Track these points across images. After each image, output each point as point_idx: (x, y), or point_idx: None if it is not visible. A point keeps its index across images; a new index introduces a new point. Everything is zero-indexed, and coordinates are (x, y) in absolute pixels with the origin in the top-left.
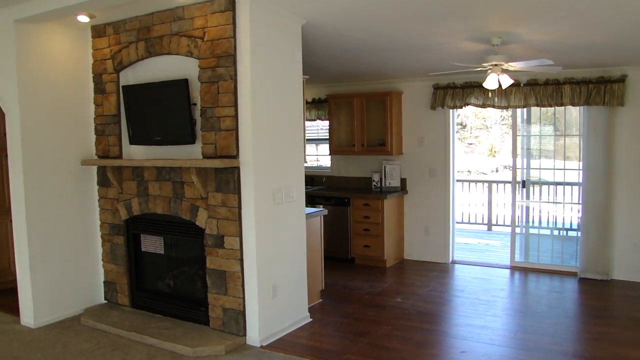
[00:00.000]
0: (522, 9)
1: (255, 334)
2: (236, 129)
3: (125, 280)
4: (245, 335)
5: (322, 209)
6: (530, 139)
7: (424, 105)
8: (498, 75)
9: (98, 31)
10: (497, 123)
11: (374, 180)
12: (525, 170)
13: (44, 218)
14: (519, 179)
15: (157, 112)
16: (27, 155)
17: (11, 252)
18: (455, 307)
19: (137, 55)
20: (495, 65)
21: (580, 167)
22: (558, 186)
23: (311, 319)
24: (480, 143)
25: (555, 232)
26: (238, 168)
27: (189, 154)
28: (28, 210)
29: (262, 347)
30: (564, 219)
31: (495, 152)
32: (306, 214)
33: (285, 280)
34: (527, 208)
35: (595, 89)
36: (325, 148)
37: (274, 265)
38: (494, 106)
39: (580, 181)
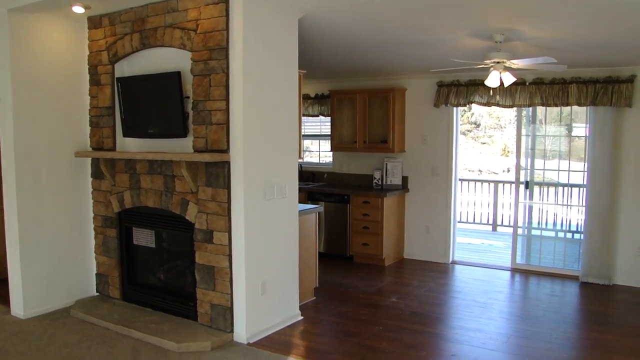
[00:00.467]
0: (526, 4)
1: (243, 330)
2: (227, 123)
3: (116, 273)
4: (232, 332)
5: (317, 205)
6: (535, 139)
7: (427, 102)
8: (500, 72)
9: (94, 22)
10: (512, 123)
11: (375, 178)
12: (529, 171)
13: (36, 209)
14: (522, 179)
15: (150, 105)
16: (19, 146)
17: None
18: (450, 309)
19: (131, 47)
20: (498, 62)
21: (585, 169)
22: (562, 187)
23: (302, 317)
24: (494, 143)
25: (559, 234)
26: (228, 163)
27: (182, 148)
28: (19, 200)
29: (249, 344)
30: (567, 221)
31: (508, 151)
32: (300, 211)
33: (276, 278)
34: (530, 209)
35: (602, 89)
36: (327, 144)
37: (263, 262)
38: (498, 105)
39: (585, 183)
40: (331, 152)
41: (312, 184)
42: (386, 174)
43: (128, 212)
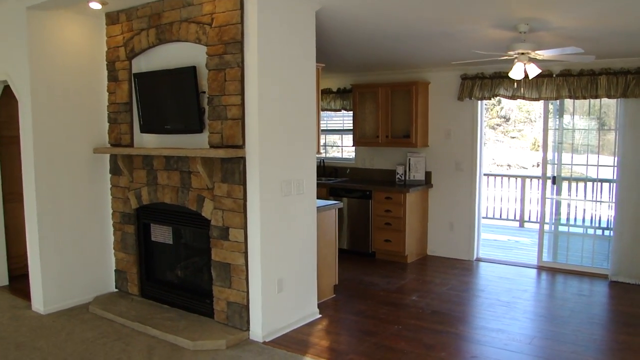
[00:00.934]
0: None
1: (259, 329)
2: (242, 118)
3: (135, 269)
4: (248, 330)
5: (337, 202)
6: (562, 132)
7: (451, 96)
8: (525, 64)
9: (112, 18)
10: (542, 116)
11: (398, 173)
12: (556, 166)
13: (55, 205)
14: (549, 174)
15: (167, 100)
16: (39, 142)
17: None
18: (472, 308)
19: (148, 42)
20: (522, 53)
21: (615, 163)
22: (591, 183)
23: (320, 315)
24: (524, 137)
25: (588, 231)
26: (244, 158)
27: (198, 143)
28: (39, 197)
29: (264, 342)
30: (596, 217)
31: (538, 146)
32: (320, 207)
33: (293, 275)
34: (558, 205)
35: (634, 80)
36: (350, 139)
37: (280, 259)
38: (523, 98)
39: (615, 178)
40: (354, 147)
41: (335, 179)
42: (409, 169)
43: (146, 208)
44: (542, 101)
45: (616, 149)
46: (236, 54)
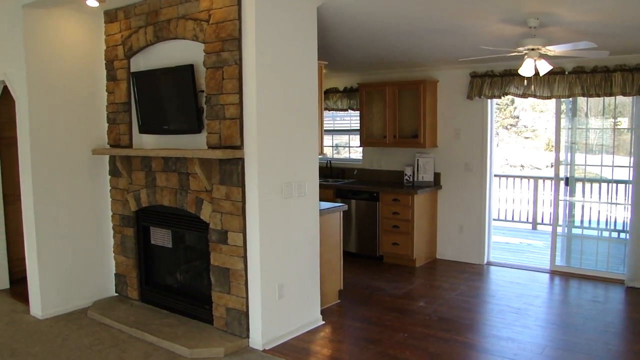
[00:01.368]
0: None
1: (258, 336)
2: (240, 118)
3: (134, 273)
4: (248, 337)
5: (341, 204)
6: (575, 132)
7: (460, 94)
8: (535, 60)
9: (110, 16)
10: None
11: (406, 174)
12: (569, 166)
13: (53, 207)
14: (562, 175)
15: (165, 100)
16: (36, 143)
17: None
18: (481, 315)
19: (145, 40)
20: (532, 49)
21: (631, 164)
22: (606, 184)
23: (323, 322)
24: (538, 137)
25: (602, 234)
26: (242, 159)
27: (197, 144)
28: (36, 199)
29: (264, 350)
30: (612, 220)
31: (552, 146)
32: (323, 210)
33: (295, 281)
34: (571, 207)
35: None
36: (357, 139)
37: (281, 264)
38: (535, 96)
39: (631, 179)
40: (361, 148)
41: (342, 180)
42: (418, 170)
43: (145, 210)
44: (555, 100)
45: (632, 149)
46: (234, 51)
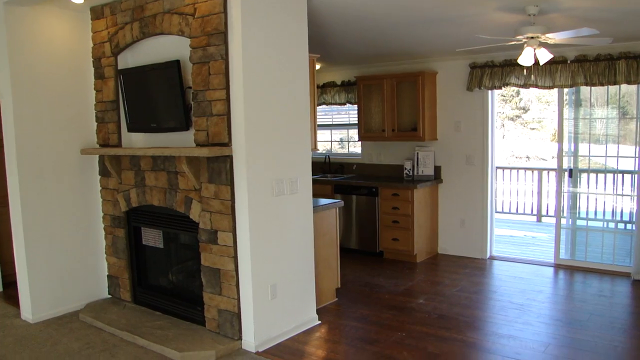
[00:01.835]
0: None
1: (251, 338)
2: (228, 114)
3: (127, 274)
4: (240, 339)
5: (337, 200)
6: (578, 122)
7: (460, 86)
8: (534, 49)
9: (96, 13)
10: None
11: (405, 169)
12: (573, 157)
13: (42, 209)
14: (565, 166)
15: (152, 97)
16: (22, 144)
17: None
18: (482, 312)
19: (132, 36)
20: (531, 37)
21: (637, 154)
22: (611, 174)
23: (319, 322)
24: (544, 128)
25: (608, 225)
26: (230, 157)
27: (185, 142)
28: (23, 200)
29: (257, 353)
30: (618, 211)
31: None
32: (318, 206)
33: (288, 280)
34: (575, 198)
35: None
36: (356, 134)
37: (273, 264)
38: (536, 86)
39: (636, 169)
40: (359, 142)
41: (341, 176)
42: (417, 164)
43: (135, 211)
44: (557, 89)
45: (637, 139)
46: (219, 46)
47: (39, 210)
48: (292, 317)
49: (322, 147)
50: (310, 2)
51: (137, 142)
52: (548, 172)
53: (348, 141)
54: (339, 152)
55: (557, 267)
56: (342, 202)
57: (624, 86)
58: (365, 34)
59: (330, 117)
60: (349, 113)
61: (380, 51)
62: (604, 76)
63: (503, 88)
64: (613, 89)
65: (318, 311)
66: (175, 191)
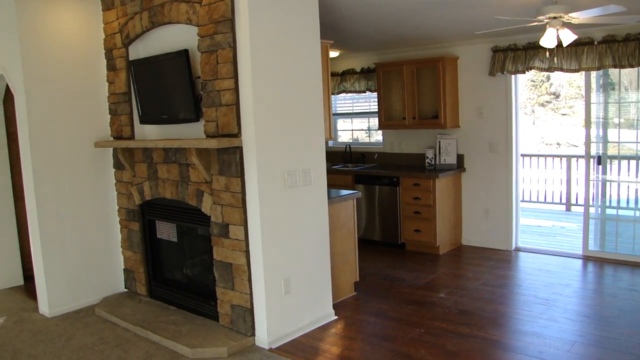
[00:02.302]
0: None
1: (264, 334)
2: (237, 104)
3: (142, 268)
4: (253, 335)
5: (354, 191)
6: (607, 106)
7: (482, 71)
8: (557, 29)
9: (107, 4)
10: (594, 92)
11: (427, 157)
12: (601, 144)
13: (57, 203)
14: (593, 152)
15: (162, 88)
16: (35, 137)
17: None
18: (505, 307)
19: (142, 26)
20: (554, 17)
21: None
22: None
23: (336, 317)
24: (575, 113)
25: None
26: (240, 148)
27: (196, 133)
28: (38, 194)
29: (270, 349)
30: None
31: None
32: (335, 197)
33: (302, 274)
34: (604, 187)
35: None
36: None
37: (286, 258)
38: (562, 69)
39: None
40: (380, 131)
41: (362, 165)
42: (439, 152)
43: (149, 204)
44: (584, 72)
45: None
46: (227, 33)
47: (53, 204)
48: (307, 313)
49: (344, 137)
50: None
51: (149, 134)
52: (577, 160)
53: (369, 130)
54: (361, 141)
55: (586, 259)
56: (360, 193)
57: None
58: (382, 18)
59: (351, 105)
60: (369, 101)
61: (398, 37)
62: (634, 57)
63: (527, 72)
64: None
65: (335, 306)
66: (186, 184)
